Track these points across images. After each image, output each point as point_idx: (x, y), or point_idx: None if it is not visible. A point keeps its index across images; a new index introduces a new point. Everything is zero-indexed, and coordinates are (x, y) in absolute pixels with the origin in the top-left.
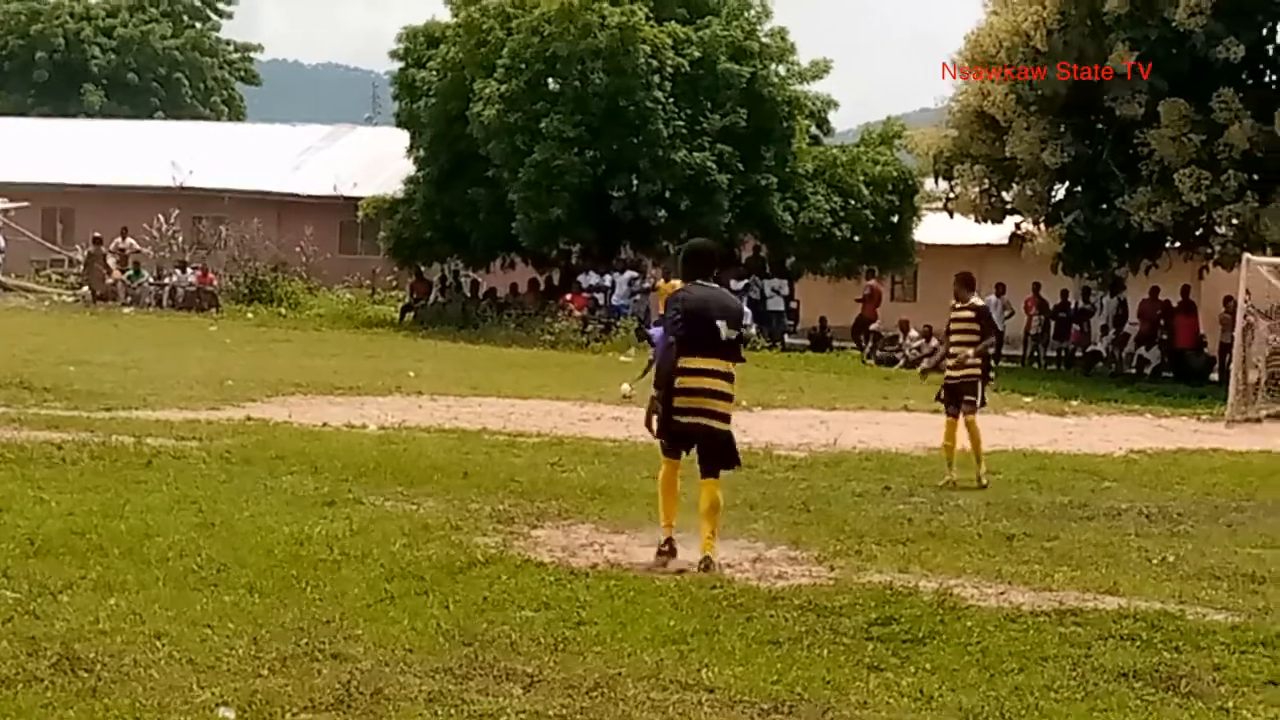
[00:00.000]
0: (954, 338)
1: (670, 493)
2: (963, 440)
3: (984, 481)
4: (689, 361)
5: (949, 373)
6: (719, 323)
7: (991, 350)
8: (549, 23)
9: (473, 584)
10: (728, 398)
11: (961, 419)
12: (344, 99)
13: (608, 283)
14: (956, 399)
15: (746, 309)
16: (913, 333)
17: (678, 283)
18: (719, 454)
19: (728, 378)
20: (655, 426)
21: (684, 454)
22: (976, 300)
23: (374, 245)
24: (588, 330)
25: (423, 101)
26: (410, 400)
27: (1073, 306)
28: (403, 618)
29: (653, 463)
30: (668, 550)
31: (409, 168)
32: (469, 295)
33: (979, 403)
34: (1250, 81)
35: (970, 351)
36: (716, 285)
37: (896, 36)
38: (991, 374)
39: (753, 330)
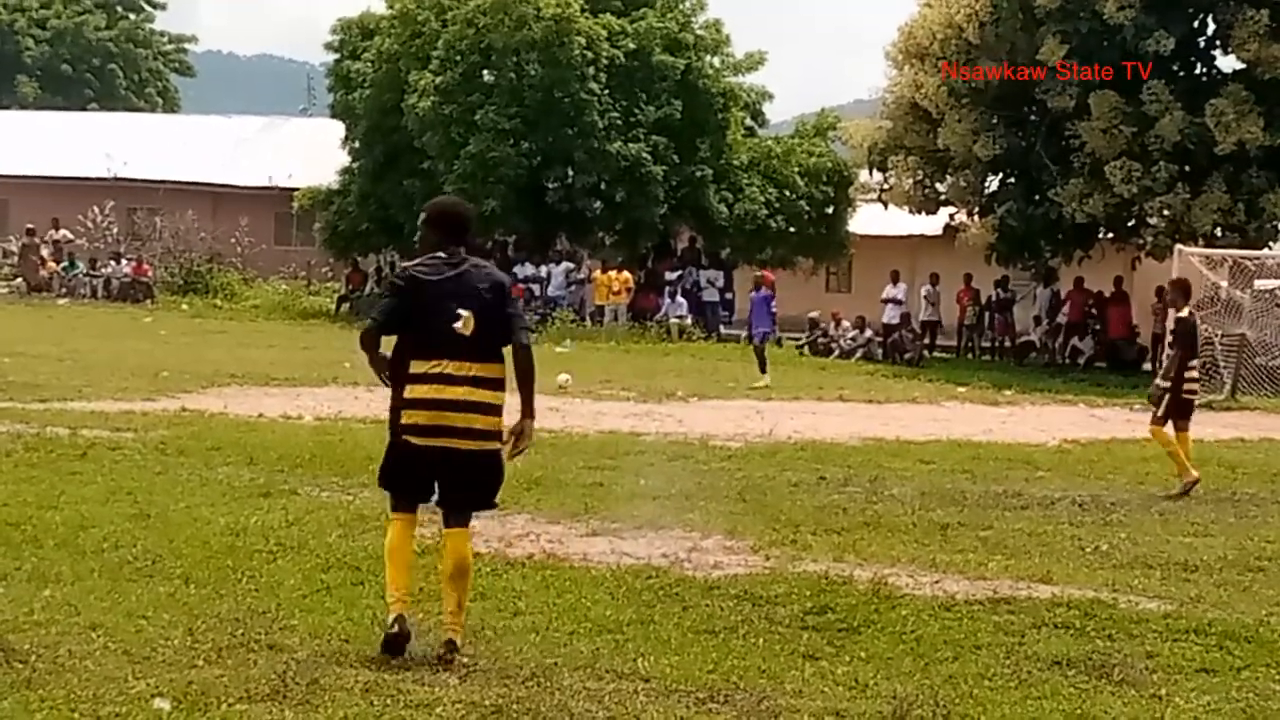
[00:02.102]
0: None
1: (399, 558)
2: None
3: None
4: (420, 365)
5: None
6: (460, 310)
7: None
8: (484, 14)
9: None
10: (488, 409)
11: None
12: (279, 90)
13: (544, 274)
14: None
15: (681, 300)
16: (845, 323)
17: (614, 273)
18: (470, 485)
19: (487, 384)
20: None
21: (420, 502)
22: (1183, 311)
23: (309, 236)
24: None
25: (358, 93)
26: (346, 391)
27: (994, 298)
28: (339, 608)
29: (590, 453)
30: (397, 633)
31: (344, 159)
32: None
33: (1159, 415)
34: (1180, 73)
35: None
36: (469, 259)
37: (830, 28)
38: (1186, 388)
39: (688, 321)
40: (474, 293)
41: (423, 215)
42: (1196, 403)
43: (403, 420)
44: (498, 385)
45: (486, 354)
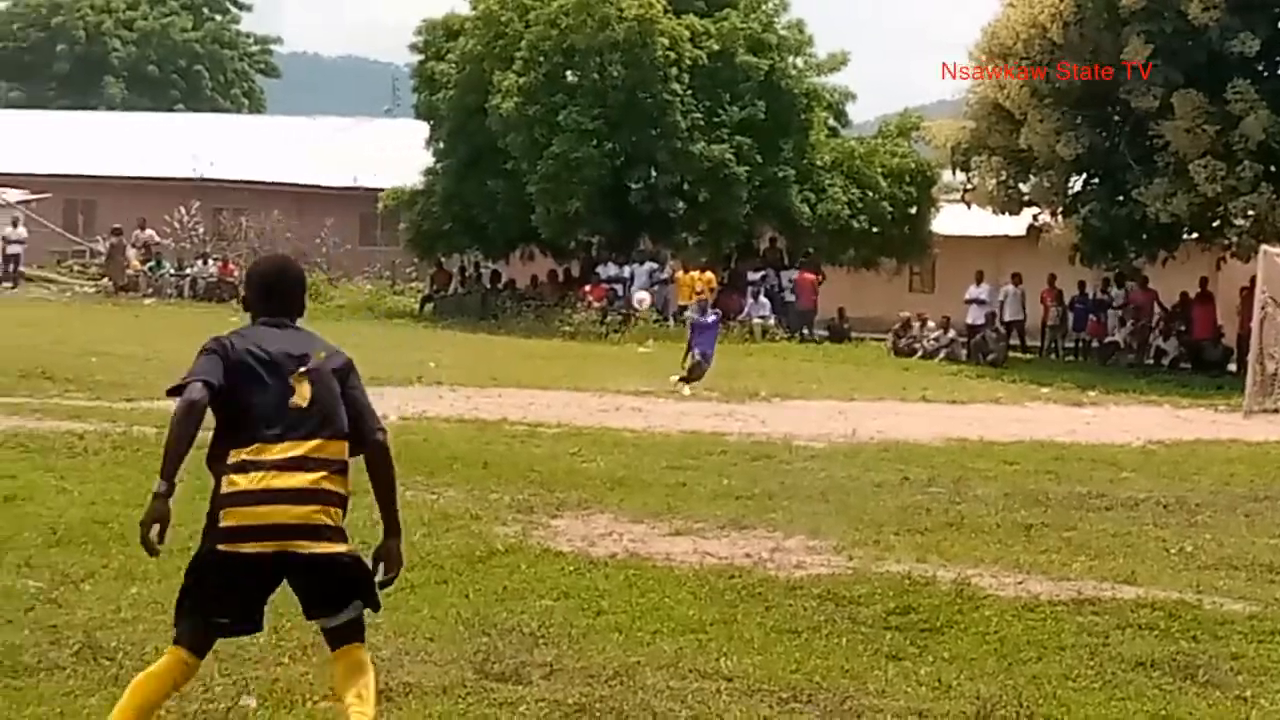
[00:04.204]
0: None
1: (144, 699)
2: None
3: None
4: (241, 452)
5: None
6: (294, 382)
7: None
8: (567, 15)
9: (492, 573)
10: (335, 499)
11: None
12: (363, 91)
13: (626, 274)
14: None
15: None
16: (930, 323)
17: (696, 274)
18: (345, 594)
19: (331, 467)
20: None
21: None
22: None
23: (394, 237)
24: (606, 321)
25: (441, 94)
26: (430, 390)
27: (1090, 297)
28: (422, 606)
29: (673, 453)
30: None
31: (428, 159)
32: (488, 286)
33: None
34: (1265, 74)
35: None
36: (297, 327)
37: (914, 28)
38: None
39: (771, 322)
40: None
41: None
42: None
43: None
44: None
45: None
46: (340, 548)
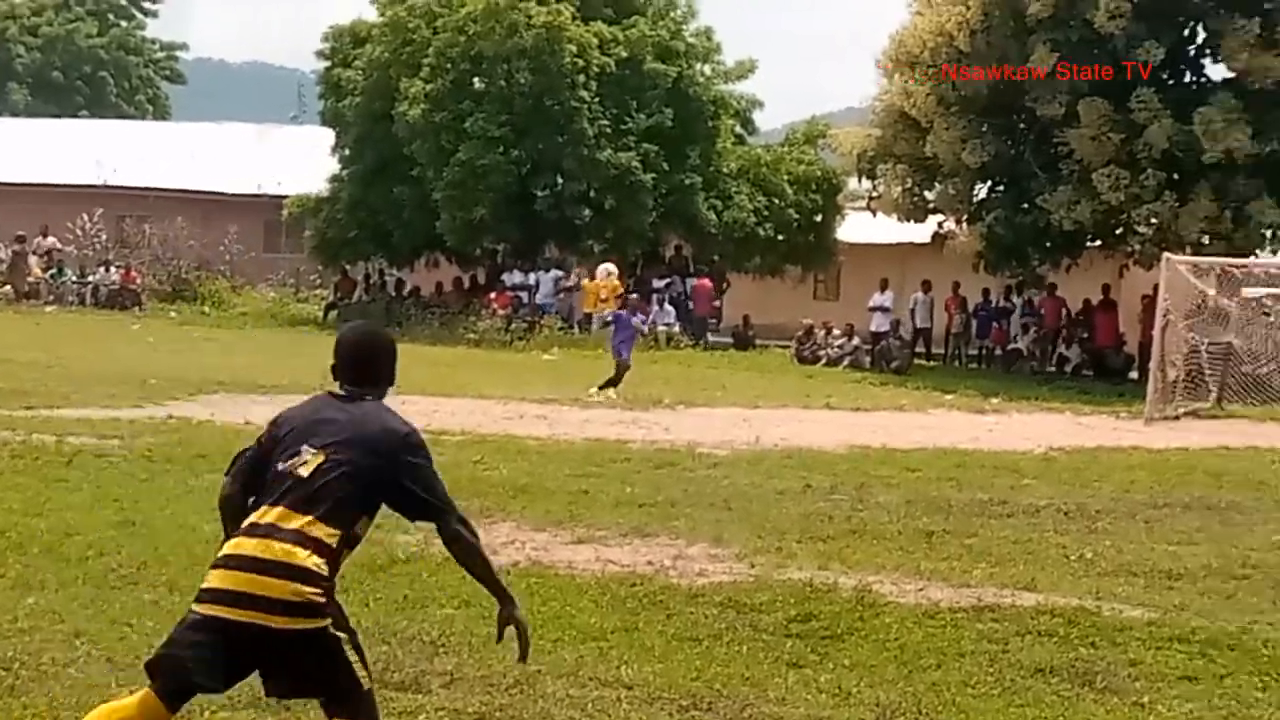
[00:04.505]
0: None
1: None
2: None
3: None
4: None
5: None
6: (306, 449)
7: None
8: (475, 22)
9: (393, 582)
10: (304, 577)
11: None
12: (269, 98)
13: (532, 281)
14: None
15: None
16: (834, 331)
17: (601, 280)
18: (312, 678)
19: (309, 544)
20: None
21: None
22: None
23: (298, 244)
24: (511, 329)
25: (348, 100)
26: None
27: (994, 305)
28: None
29: (576, 460)
30: None
31: (334, 166)
32: (393, 294)
33: None
34: (1170, 82)
35: None
36: (365, 399)
37: (821, 36)
38: None
39: (676, 329)
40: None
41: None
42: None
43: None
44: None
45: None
46: (313, 624)
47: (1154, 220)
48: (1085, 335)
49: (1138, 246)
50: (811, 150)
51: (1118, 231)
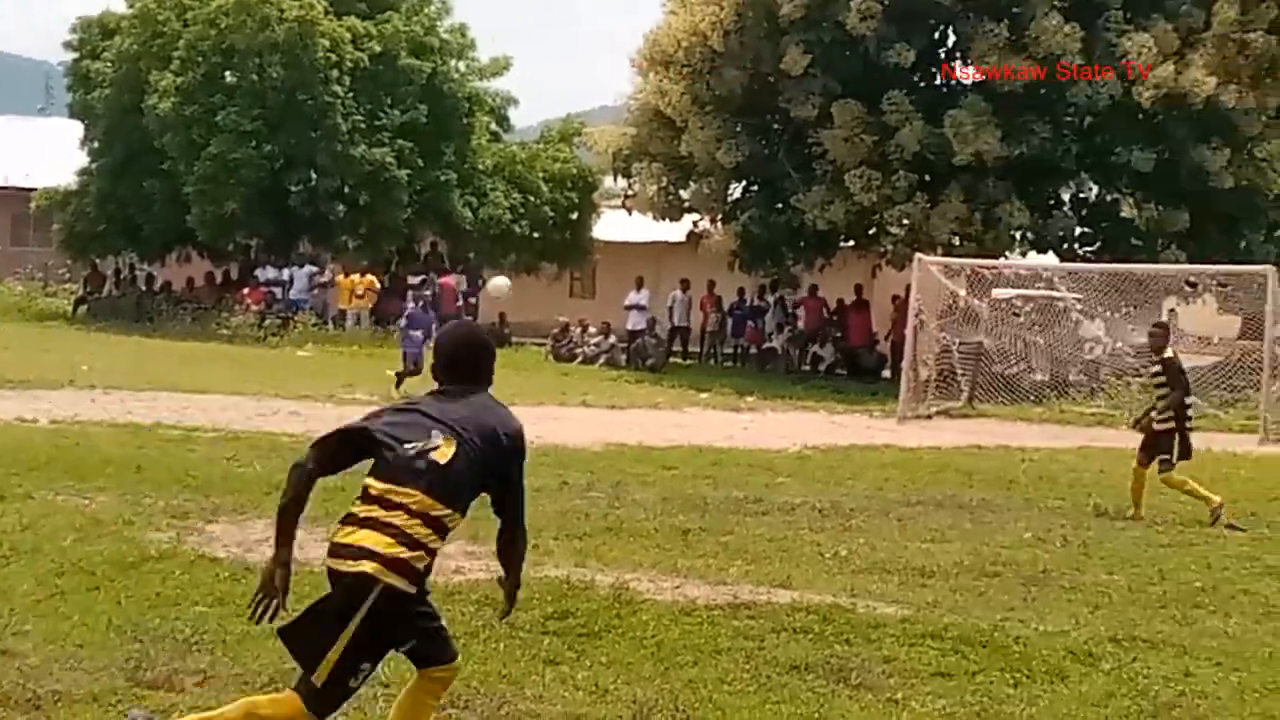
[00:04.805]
0: (1151, 394)
1: None
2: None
3: (1218, 514)
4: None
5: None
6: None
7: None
8: (226, 15)
9: (145, 580)
10: (408, 542)
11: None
12: (15, 89)
13: (285, 277)
14: (1151, 451)
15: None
16: (590, 329)
17: (357, 277)
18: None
19: (424, 520)
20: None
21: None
22: (1167, 353)
23: (47, 238)
24: (265, 325)
25: (97, 93)
26: (83, 394)
27: (749, 304)
28: (73, 614)
29: None
30: None
31: (83, 159)
32: (144, 289)
33: (1173, 459)
34: (921, 84)
35: (1158, 408)
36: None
37: (577, 35)
38: (1188, 424)
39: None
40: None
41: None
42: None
43: None
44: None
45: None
46: (401, 585)
47: (906, 221)
48: (839, 335)
49: (890, 247)
50: (567, 148)
51: (871, 232)
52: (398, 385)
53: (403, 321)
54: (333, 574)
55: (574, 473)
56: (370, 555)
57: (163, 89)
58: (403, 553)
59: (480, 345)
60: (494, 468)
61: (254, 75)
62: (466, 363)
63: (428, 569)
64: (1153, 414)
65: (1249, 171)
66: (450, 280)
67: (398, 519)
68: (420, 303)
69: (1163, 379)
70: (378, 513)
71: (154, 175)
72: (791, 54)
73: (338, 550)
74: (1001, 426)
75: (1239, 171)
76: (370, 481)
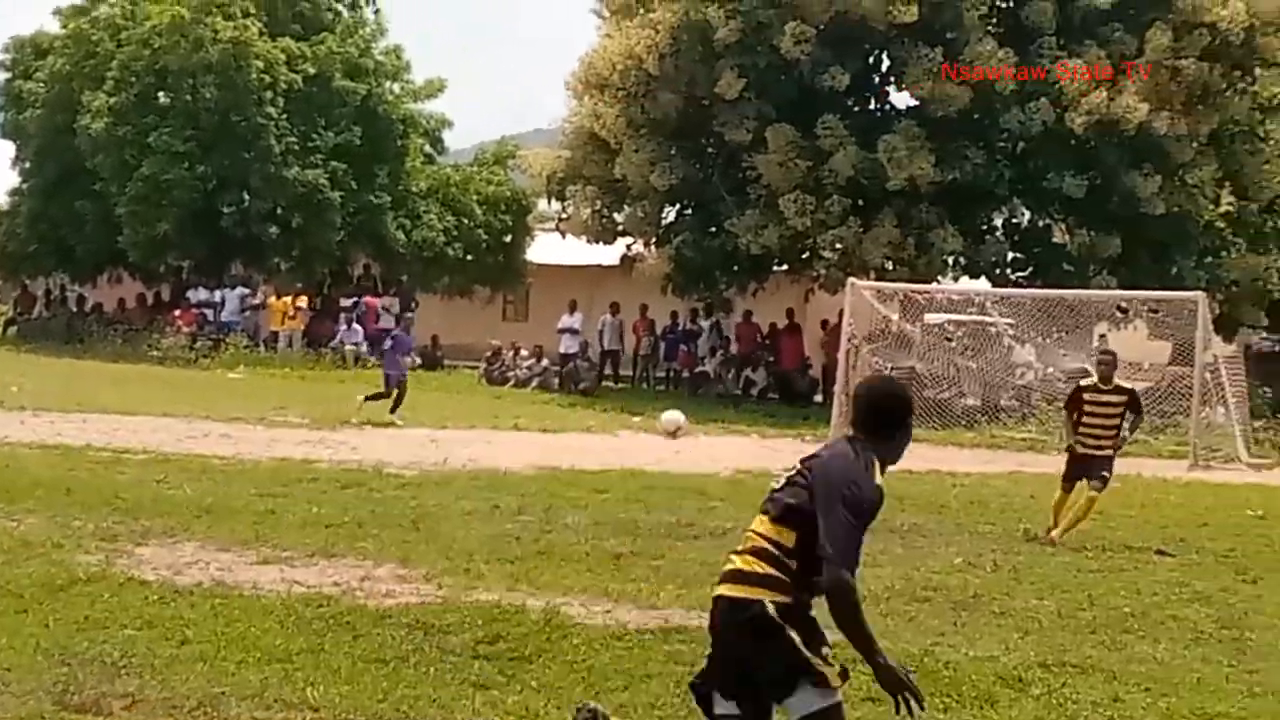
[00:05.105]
0: (1097, 420)
1: None
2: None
3: (1058, 540)
4: None
5: (1083, 450)
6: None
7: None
8: (160, 36)
9: (74, 602)
10: (756, 552)
11: (1087, 488)
12: None
13: (217, 299)
14: (1087, 472)
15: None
16: (523, 352)
17: (289, 299)
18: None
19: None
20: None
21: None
22: (1123, 383)
23: None
24: (196, 346)
25: (29, 113)
26: (12, 415)
27: (682, 328)
28: (1, 637)
29: (262, 480)
30: None
31: (14, 179)
32: (75, 310)
33: (1108, 477)
34: (855, 108)
35: (1127, 434)
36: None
37: (512, 58)
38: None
39: (364, 349)
40: None
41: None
42: None
43: None
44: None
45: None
46: (739, 591)
47: (839, 246)
48: (771, 359)
49: (823, 271)
50: (501, 171)
51: (804, 256)
52: (393, 409)
53: (387, 343)
54: None
55: (506, 496)
56: None
57: (95, 109)
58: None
59: (882, 400)
60: (808, 502)
61: (187, 96)
62: (866, 414)
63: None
64: (1123, 437)
65: (1180, 198)
66: (373, 300)
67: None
68: (403, 325)
69: (1120, 406)
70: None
71: (86, 196)
72: (726, 78)
73: None
74: (933, 451)
75: (1170, 198)
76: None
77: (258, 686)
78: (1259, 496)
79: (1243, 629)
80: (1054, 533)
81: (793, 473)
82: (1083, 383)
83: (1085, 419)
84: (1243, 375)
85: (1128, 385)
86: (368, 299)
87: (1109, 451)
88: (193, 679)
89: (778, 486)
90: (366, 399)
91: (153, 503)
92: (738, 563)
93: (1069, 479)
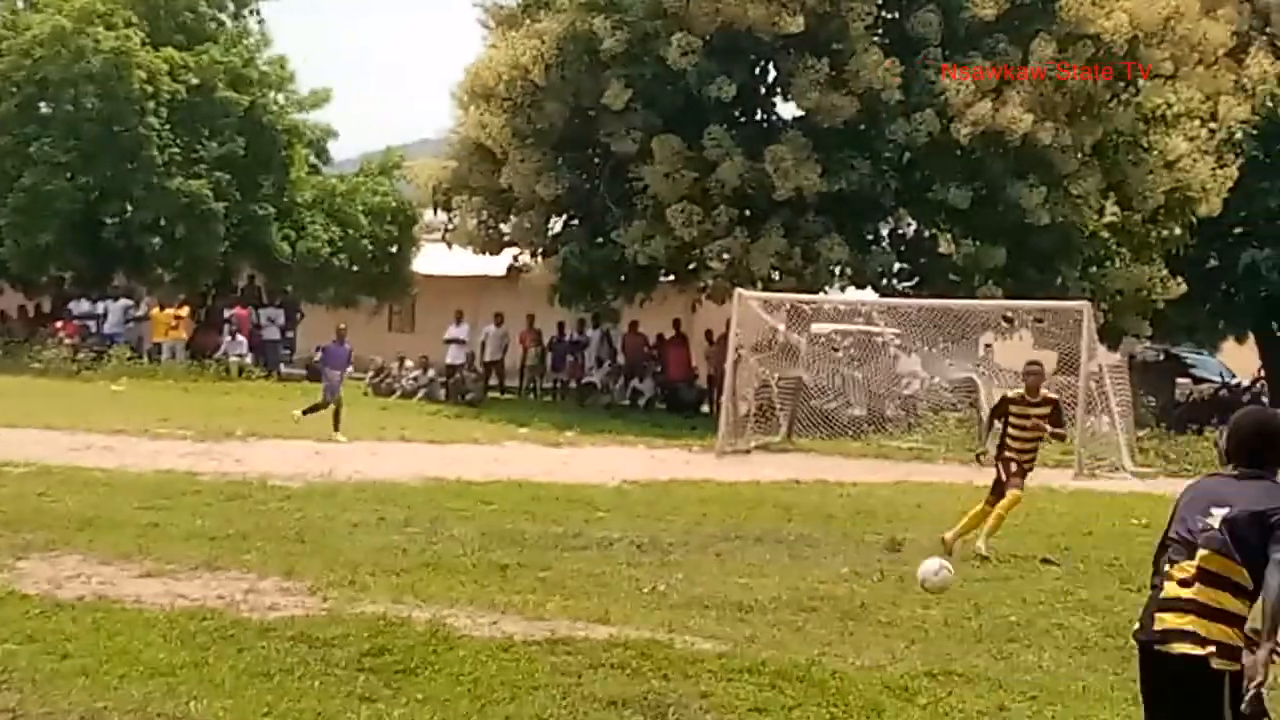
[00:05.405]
0: (1026, 434)
1: None
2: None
3: (986, 553)
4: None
5: (1015, 458)
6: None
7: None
8: (41, 45)
9: None
10: (1210, 612)
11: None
12: None
13: (100, 310)
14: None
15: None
16: (409, 363)
17: (173, 310)
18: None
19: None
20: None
21: None
22: (1049, 393)
23: None
24: (79, 358)
25: None
26: None
27: (568, 338)
28: None
29: (146, 493)
30: None
31: None
32: None
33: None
34: (742, 119)
35: (1052, 436)
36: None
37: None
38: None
39: (248, 360)
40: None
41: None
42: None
43: None
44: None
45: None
46: (1198, 650)
47: (726, 256)
48: (658, 369)
49: (711, 282)
50: (387, 181)
51: (691, 267)
52: (335, 426)
53: (317, 355)
54: None
55: (392, 508)
56: None
57: None
58: None
59: (1273, 431)
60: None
61: (69, 106)
62: (1256, 448)
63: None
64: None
65: (1065, 208)
66: (242, 311)
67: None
68: (338, 337)
69: (1045, 418)
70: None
71: None
72: (613, 88)
73: None
74: (820, 461)
75: (1055, 208)
76: None
77: (140, 701)
78: (1144, 505)
79: (1127, 637)
80: (976, 541)
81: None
82: (1009, 393)
83: (1012, 430)
84: (1127, 384)
85: (1052, 395)
86: (238, 310)
87: (1031, 461)
88: (74, 693)
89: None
90: (305, 413)
91: (34, 515)
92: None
93: (999, 491)
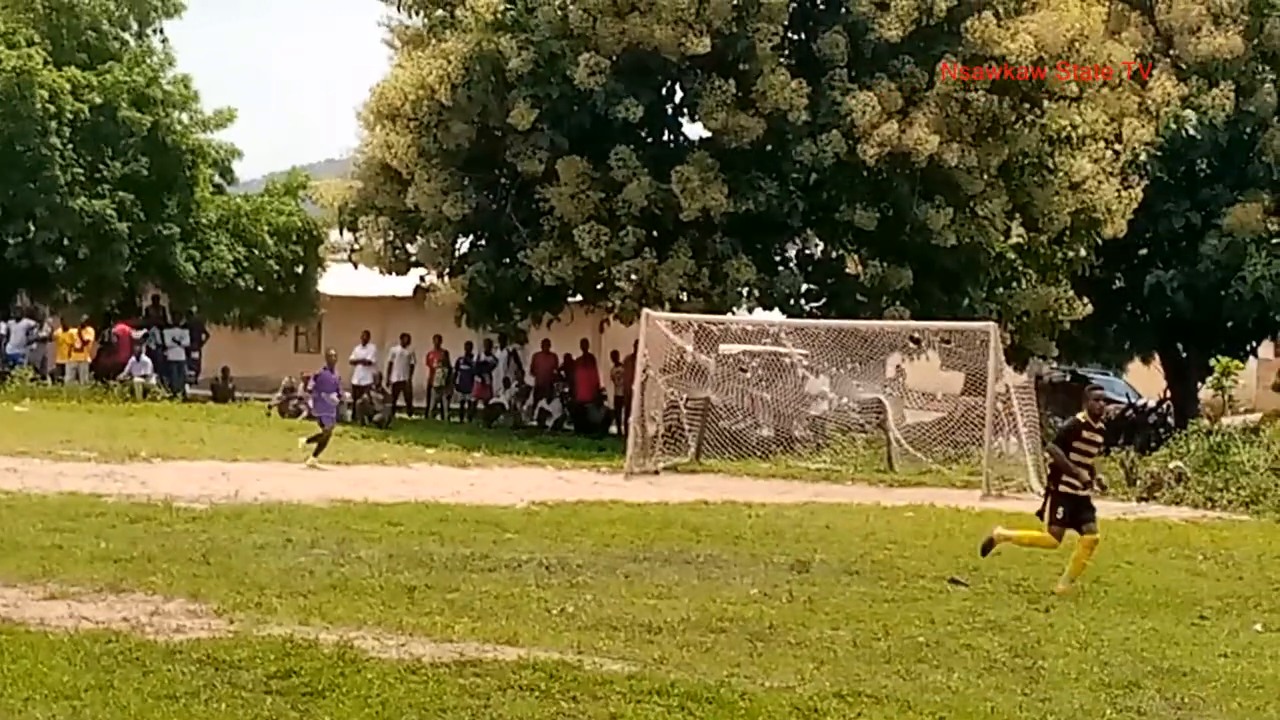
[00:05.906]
0: (1091, 459)
1: None
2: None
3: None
4: None
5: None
6: None
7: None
8: None
9: None
10: None
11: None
12: None
13: (2, 331)
14: (1077, 516)
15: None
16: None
17: (76, 331)
18: None
19: None
20: None
21: None
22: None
23: None
24: None
25: None
26: None
27: (475, 359)
28: None
29: (49, 515)
30: None
31: None
32: None
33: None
34: (649, 139)
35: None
36: None
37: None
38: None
39: (153, 381)
40: None
41: None
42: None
43: None
44: None
45: None
46: None
47: (634, 276)
48: (566, 390)
49: (619, 302)
50: (292, 201)
51: (599, 287)
52: (316, 453)
53: (310, 384)
54: None
55: (298, 529)
56: None
57: None
58: None
59: None
60: None
61: None
62: None
63: None
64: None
65: (971, 229)
66: (125, 328)
67: None
68: (328, 364)
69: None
70: None
71: None
72: (519, 108)
73: None
74: (728, 482)
75: (961, 229)
76: None
77: None
78: None
79: (1035, 657)
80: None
81: None
82: (1079, 418)
83: (1076, 455)
84: (1034, 405)
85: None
86: (119, 327)
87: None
88: None
89: None
90: (309, 441)
91: None
92: None
93: (1062, 523)
